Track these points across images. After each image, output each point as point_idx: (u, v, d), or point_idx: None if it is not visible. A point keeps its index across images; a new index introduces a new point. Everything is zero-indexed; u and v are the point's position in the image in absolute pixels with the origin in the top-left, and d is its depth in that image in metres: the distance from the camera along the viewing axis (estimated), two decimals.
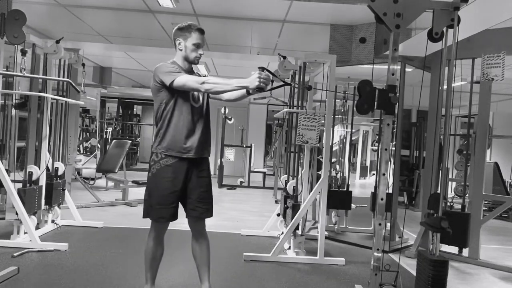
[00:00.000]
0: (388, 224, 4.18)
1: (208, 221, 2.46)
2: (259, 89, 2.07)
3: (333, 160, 6.53)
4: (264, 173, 9.28)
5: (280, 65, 4.04)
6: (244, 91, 2.31)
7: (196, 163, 2.36)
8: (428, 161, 4.42)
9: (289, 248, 3.84)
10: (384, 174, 2.42)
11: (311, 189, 3.98)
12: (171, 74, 2.21)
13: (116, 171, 6.57)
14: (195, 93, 2.34)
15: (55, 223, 4.24)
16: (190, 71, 2.40)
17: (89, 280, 2.88)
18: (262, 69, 2.08)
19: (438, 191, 2.55)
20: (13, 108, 4.21)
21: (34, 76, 3.79)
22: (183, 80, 2.20)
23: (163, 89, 2.27)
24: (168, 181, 2.28)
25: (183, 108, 2.30)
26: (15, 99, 4.18)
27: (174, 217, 2.33)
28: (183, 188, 2.32)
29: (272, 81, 2.28)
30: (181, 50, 2.35)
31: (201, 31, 2.34)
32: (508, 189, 6.77)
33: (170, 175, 2.28)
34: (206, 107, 2.43)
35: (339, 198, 4.67)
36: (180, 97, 2.29)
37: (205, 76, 2.40)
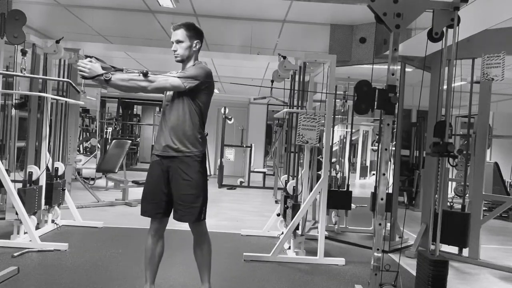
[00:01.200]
0: (388, 224, 4.18)
1: (208, 221, 2.46)
2: (83, 77, 2.10)
3: (333, 160, 6.53)
4: (264, 173, 9.28)
5: (280, 65, 4.05)
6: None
7: (171, 161, 2.32)
8: (428, 161, 4.42)
9: (289, 248, 3.84)
10: (384, 174, 2.42)
11: (311, 189, 3.98)
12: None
13: (116, 171, 6.57)
14: (168, 92, 2.38)
15: (55, 223, 4.24)
16: (182, 69, 2.43)
17: (89, 280, 2.88)
18: (86, 57, 2.14)
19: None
20: (13, 108, 4.21)
21: (34, 76, 3.80)
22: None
23: None
24: (148, 177, 2.41)
25: (163, 108, 2.43)
26: (15, 99, 4.18)
27: (157, 214, 2.36)
28: (165, 187, 2.35)
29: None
30: None
31: (173, 27, 2.38)
32: (508, 189, 6.77)
33: (149, 171, 2.42)
34: (178, 103, 2.33)
35: (339, 198, 4.66)
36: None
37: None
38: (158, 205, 2.35)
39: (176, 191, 2.33)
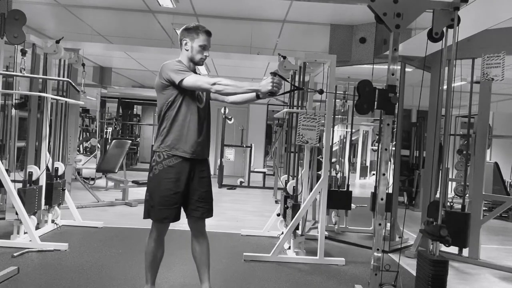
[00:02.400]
0: (388, 224, 4.18)
1: (208, 221, 2.46)
2: (271, 93, 2.10)
3: (333, 160, 6.54)
4: (264, 173, 9.28)
5: (280, 65, 4.05)
6: (253, 94, 2.31)
7: (198, 163, 2.37)
8: (428, 161, 4.42)
9: (289, 248, 3.84)
10: (384, 174, 2.42)
11: (311, 189, 3.98)
12: (181, 73, 2.21)
13: (116, 171, 6.58)
14: (200, 93, 2.35)
15: (55, 223, 4.24)
16: (194, 72, 2.38)
17: (89, 280, 2.88)
18: (274, 74, 2.11)
19: (437, 197, 2.54)
20: (13, 108, 4.21)
21: (34, 76, 3.79)
22: (192, 79, 2.19)
23: (170, 87, 2.26)
24: (171, 182, 2.26)
25: (189, 108, 2.29)
26: (15, 99, 4.18)
27: (177, 217, 2.33)
28: (185, 189, 2.32)
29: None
30: (187, 50, 2.34)
31: (208, 33, 2.35)
32: (508, 189, 6.77)
33: (173, 176, 2.26)
34: (208, 108, 2.45)
35: (339, 198, 4.66)
36: (186, 96, 2.28)
37: (206, 75, 2.42)
38: (178, 210, 2.33)
39: (197, 190, 2.35)
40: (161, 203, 2.26)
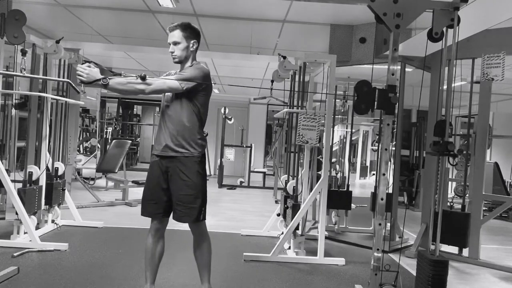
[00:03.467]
0: (388, 224, 4.18)
1: (208, 221, 2.46)
2: (81, 82, 2.11)
3: (333, 160, 6.54)
4: (264, 173, 9.28)
5: (280, 65, 4.05)
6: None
7: (176, 163, 2.33)
8: (428, 161, 4.42)
9: (289, 248, 3.84)
10: (384, 174, 2.42)
11: (311, 189, 3.98)
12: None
13: (116, 171, 6.57)
14: (167, 93, 2.37)
15: (55, 223, 4.24)
16: (181, 69, 2.43)
17: (89, 280, 2.88)
18: (84, 62, 2.16)
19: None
20: (13, 108, 4.21)
21: (34, 76, 3.80)
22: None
23: None
24: (148, 178, 2.42)
25: (161, 108, 2.43)
26: (15, 99, 4.18)
27: (157, 214, 2.37)
28: (165, 188, 2.35)
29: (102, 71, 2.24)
30: None
31: (170, 29, 2.39)
32: (508, 189, 6.77)
33: (149, 172, 2.42)
34: (180, 105, 2.33)
35: (339, 198, 4.66)
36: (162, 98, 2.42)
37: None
38: (158, 205, 2.36)
39: (175, 191, 2.34)
40: (143, 196, 2.42)
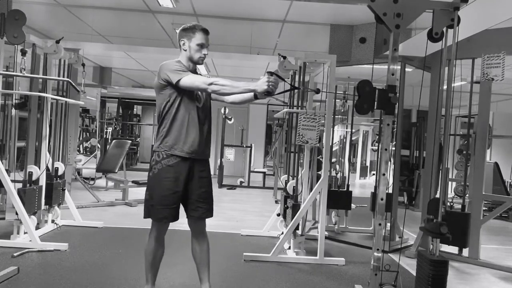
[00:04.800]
0: (388, 224, 4.18)
1: (208, 221, 2.46)
2: (268, 93, 2.08)
3: (333, 160, 6.54)
4: (264, 173, 9.28)
5: (280, 65, 4.04)
6: (251, 94, 2.31)
7: (198, 163, 2.36)
8: (428, 161, 4.42)
9: (289, 248, 3.84)
10: (384, 174, 2.42)
11: (311, 189, 3.98)
12: (178, 73, 2.21)
13: (116, 171, 6.57)
14: (198, 93, 2.34)
15: (55, 223, 4.24)
16: (194, 71, 2.39)
17: (89, 280, 2.88)
18: (270, 73, 2.10)
19: (438, 195, 2.54)
20: (13, 108, 4.21)
21: (34, 76, 3.79)
22: (190, 79, 2.19)
23: (168, 87, 2.26)
24: (170, 181, 2.26)
25: (187, 107, 2.29)
26: (15, 99, 4.18)
27: (176, 217, 2.33)
28: (184, 189, 2.32)
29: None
30: (185, 50, 2.34)
31: (205, 31, 2.34)
32: (508, 189, 6.77)
33: (172, 175, 2.27)
34: (209, 108, 2.44)
35: (339, 198, 4.66)
36: (185, 96, 2.28)
37: (206, 76, 2.40)
38: (177, 210, 2.33)
39: (196, 190, 2.34)
40: (160, 202, 2.27)
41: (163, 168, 2.27)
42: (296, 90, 4.19)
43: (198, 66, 2.46)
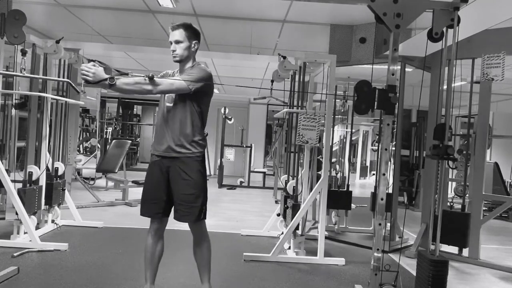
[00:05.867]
0: (388, 224, 4.18)
1: (208, 221, 2.46)
2: (86, 82, 2.00)
3: (333, 160, 6.54)
4: (264, 173, 9.28)
5: (280, 65, 4.05)
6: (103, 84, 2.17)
7: (177, 163, 2.32)
8: (428, 161, 4.42)
9: (289, 248, 3.84)
10: (384, 174, 2.42)
11: (311, 189, 3.98)
12: None
13: (116, 171, 6.58)
14: (169, 94, 2.35)
15: (55, 223, 4.24)
16: (181, 70, 2.41)
17: (89, 280, 2.88)
18: (90, 60, 2.03)
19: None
20: (13, 108, 4.21)
21: (34, 76, 3.80)
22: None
23: None
24: (148, 177, 2.41)
25: (160, 108, 2.42)
26: (15, 99, 4.18)
27: (157, 214, 2.36)
28: (165, 187, 2.35)
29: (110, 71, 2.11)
30: None
31: (173, 28, 2.37)
32: (508, 189, 6.77)
33: (149, 171, 2.41)
34: (183, 106, 2.33)
35: (339, 198, 4.66)
36: (160, 98, 2.42)
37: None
38: (158, 205, 2.36)
39: (177, 191, 2.34)
40: (142, 197, 2.41)
41: (148, 166, 2.45)
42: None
43: (182, 63, 2.41)
